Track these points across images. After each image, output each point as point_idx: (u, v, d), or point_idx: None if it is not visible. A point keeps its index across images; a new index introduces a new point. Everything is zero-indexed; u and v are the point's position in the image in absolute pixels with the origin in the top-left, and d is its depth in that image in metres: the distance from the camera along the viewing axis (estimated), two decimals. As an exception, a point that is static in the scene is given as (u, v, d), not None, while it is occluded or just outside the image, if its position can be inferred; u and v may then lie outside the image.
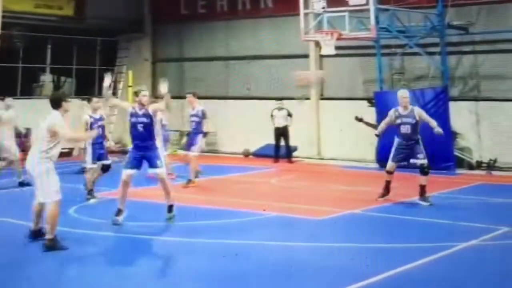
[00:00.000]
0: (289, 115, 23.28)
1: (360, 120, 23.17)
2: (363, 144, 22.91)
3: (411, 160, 14.56)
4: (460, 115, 21.63)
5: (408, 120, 14.51)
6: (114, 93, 28.19)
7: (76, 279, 8.79)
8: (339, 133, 23.68)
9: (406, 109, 14.61)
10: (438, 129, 14.53)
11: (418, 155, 14.44)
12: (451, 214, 13.23)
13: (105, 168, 14.92)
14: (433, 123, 14.64)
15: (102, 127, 15.11)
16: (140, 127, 12.25)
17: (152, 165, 12.22)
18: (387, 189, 14.73)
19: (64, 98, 10.46)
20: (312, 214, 13.04)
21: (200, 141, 16.96)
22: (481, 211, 13.82)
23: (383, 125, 15.20)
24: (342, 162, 22.89)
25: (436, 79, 22.30)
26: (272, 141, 23.98)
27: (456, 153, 21.13)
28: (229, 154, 26.03)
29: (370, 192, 15.41)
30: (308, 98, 24.35)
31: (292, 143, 23.57)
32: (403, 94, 14.87)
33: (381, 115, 21.65)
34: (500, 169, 20.82)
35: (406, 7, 21.75)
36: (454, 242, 10.54)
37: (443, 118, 20.51)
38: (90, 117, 15.07)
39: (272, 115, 23.36)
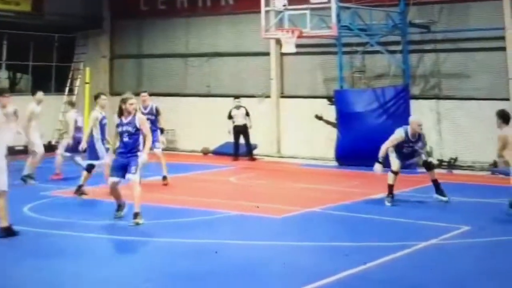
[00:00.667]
0: (247, 114, 23.22)
1: (320, 118, 23.22)
2: (323, 142, 22.94)
3: (412, 160, 14.86)
4: (421, 114, 21.68)
5: (415, 147, 14.40)
6: (71, 90, 27.91)
7: (29, 278, 8.60)
8: (299, 131, 23.69)
9: (415, 136, 14.32)
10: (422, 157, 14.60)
11: (422, 155, 14.57)
12: (412, 213, 13.26)
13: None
14: (423, 154, 14.61)
15: (105, 124, 15.45)
16: (125, 136, 12.20)
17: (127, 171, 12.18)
18: (391, 192, 14.33)
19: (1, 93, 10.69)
20: (272, 213, 12.97)
21: (160, 137, 16.96)
22: (442, 210, 13.87)
23: (385, 148, 14.43)
24: (302, 160, 22.89)
25: (397, 78, 22.40)
26: (230, 139, 23.89)
27: (417, 152, 21.21)
28: (187, 152, 25.87)
29: (330, 190, 15.42)
30: (268, 96, 24.31)
31: (252, 141, 23.50)
32: (419, 122, 14.43)
33: (341, 113, 21.79)
34: (461, 167, 20.99)
35: (368, 5, 21.81)
36: (415, 241, 10.55)
37: (404, 116, 20.57)
38: (100, 113, 15.38)
39: (230, 114, 23.22)
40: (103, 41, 29.13)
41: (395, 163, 14.31)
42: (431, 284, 8.48)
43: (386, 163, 14.47)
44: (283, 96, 25.12)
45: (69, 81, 28.05)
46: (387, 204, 14.11)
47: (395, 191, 14.47)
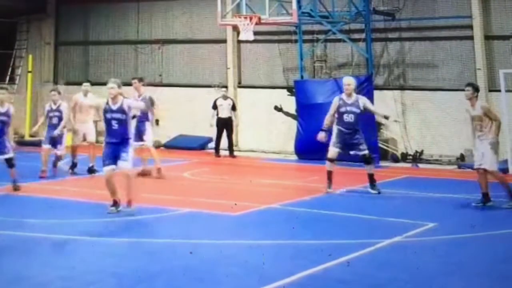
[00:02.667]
0: (234, 108, 22.64)
1: (280, 109, 23.24)
2: (282, 135, 22.96)
3: (352, 152, 14.89)
4: (385, 104, 21.86)
5: (353, 109, 14.71)
6: (12, 78, 27.50)
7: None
8: (257, 123, 23.66)
9: (351, 97, 14.80)
10: (381, 116, 15.36)
11: (360, 147, 14.77)
12: (375, 209, 13.30)
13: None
14: (378, 112, 15.28)
15: None
16: (114, 124, 12.21)
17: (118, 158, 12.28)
18: (330, 179, 14.86)
19: None
20: (228, 210, 12.89)
21: (149, 129, 17.22)
22: (406, 206, 13.94)
23: (328, 117, 15.07)
24: (260, 154, 22.86)
25: (360, 67, 22.53)
26: (185, 131, 23.75)
27: (380, 144, 21.35)
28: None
29: (290, 185, 15.41)
30: (225, 86, 24.21)
31: (206, 133, 23.36)
32: (347, 81, 15.10)
33: (301, 105, 21.81)
34: (427, 161, 21.17)
35: (330, -9, 21.84)
36: (378, 238, 10.56)
37: (367, 108, 20.74)
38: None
39: (215, 104, 22.57)
40: (47, 26, 28.75)
41: (331, 150, 14.81)
42: (394, 283, 8.47)
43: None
44: (240, 86, 25.06)
45: (10, 69, 27.63)
46: (328, 190, 14.75)
47: (357, 186, 14.52)
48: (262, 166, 20.61)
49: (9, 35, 28.25)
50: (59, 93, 17.35)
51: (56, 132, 16.73)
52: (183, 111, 25.30)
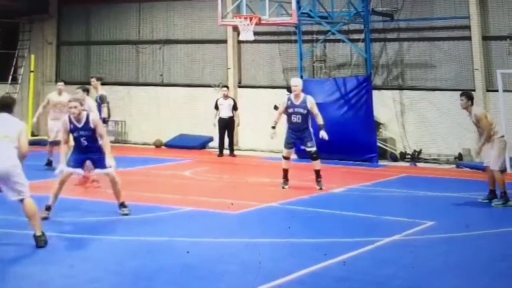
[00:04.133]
0: (235, 108, 22.55)
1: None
2: (282, 135, 22.87)
3: (302, 147, 15.60)
4: (384, 104, 21.91)
5: (299, 110, 15.09)
6: (14, 78, 27.49)
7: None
8: (257, 122, 23.63)
9: (298, 98, 15.15)
10: (322, 133, 15.18)
11: (308, 143, 15.15)
12: (374, 208, 13.29)
13: None
14: (320, 120, 15.25)
15: None
16: (83, 140, 12.05)
17: (100, 166, 12.11)
18: (286, 177, 15.35)
19: None
20: (227, 208, 12.87)
21: None
22: (405, 204, 13.94)
23: (277, 115, 15.71)
24: (260, 153, 22.84)
25: (359, 67, 22.52)
26: (185, 131, 23.74)
27: (379, 144, 21.34)
28: (139, 144, 25.67)
29: (289, 184, 15.40)
30: (225, 86, 24.17)
31: (207, 132, 23.36)
32: (294, 82, 15.50)
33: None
34: (425, 160, 21.17)
35: (329, -9, 21.82)
36: (377, 237, 10.55)
37: (366, 107, 20.80)
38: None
39: (216, 104, 22.51)
40: (49, 26, 28.75)
41: (283, 151, 15.45)
42: (393, 281, 8.46)
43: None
44: (240, 86, 25.05)
45: (12, 69, 27.62)
46: (284, 187, 15.21)
47: (356, 185, 14.52)
48: (262, 165, 20.60)
49: (12, 35, 28.24)
50: (84, 90, 16.33)
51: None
52: (183, 111, 25.32)
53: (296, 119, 15.14)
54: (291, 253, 9.81)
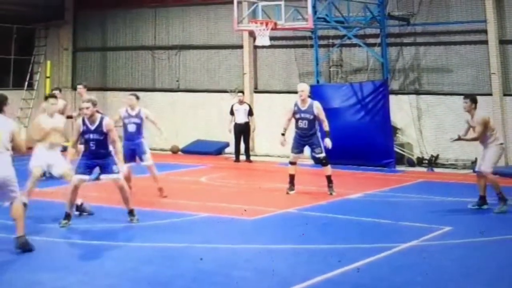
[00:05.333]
0: (251, 113, 22.54)
1: (296, 114, 23.14)
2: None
3: (311, 154, 15.74)
4: (401, 109, 21.86)
5: (306, 116, 15.14)
6: (31, 84, 27.61)
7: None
8: (273, 128, 23.60)
9: (305, 103, 15.20)
10: (327, 140, 15.21)
11: (316, 149, 15.28)
12: (391, 213, 13.28)
13: None
14: (326, 127, 15.28)
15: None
16: (92, 144, 11.99)
17: (107, 171, 12.06)
18: (292, 182, 15.40)
19: None
20: (244, 214, 12.89)
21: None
22: (422, 210, 13.89)
23: (286, 121, 15.64)
24: (276, 159, 22.83)
25: (375, 72, 22.47)
26: (202, 136, 23.74)
27: (396, 149, 21.28)
28: (155, 150, 25.69)
29: (306, 190, 15.41)
30: (241, 91, 24.20)
31: (223, 138, 23.37)
32: (301, 88, 15.55)
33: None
34: (442, 165, 21.08)
35: (345, -4, 21.82)
36: (394, 242, 10.53)
37: (383, 112, 20.75)
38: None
39: (232, 110, 22.50)
40: (65, 32, 28.84)
41: (290, 156, 15.57)
42: (410, 286, 8.46)
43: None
44: (256, 91, 25.07)
45: (28, 75, 27.73)
46: (289, 192, 15.33)
47: (373, 190, 14.49)
48: (278, 171, 20.56)
49: (28, 41, 28.36)
50: (137, 97, 15.55)
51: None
52: (200, 116, 25.37)
53: (302, 124, 15.19)
54: (308, 259, 9.81)
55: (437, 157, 21.36)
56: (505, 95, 20.86)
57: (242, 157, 22.47)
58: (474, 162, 20.56)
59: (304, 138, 15.27)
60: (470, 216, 13.17)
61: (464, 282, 8.68)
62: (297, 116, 15.22)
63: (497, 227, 12.17)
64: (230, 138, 22.95)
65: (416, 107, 22.02)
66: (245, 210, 13.08)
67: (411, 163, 21.48)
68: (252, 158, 22.71)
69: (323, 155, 15.20)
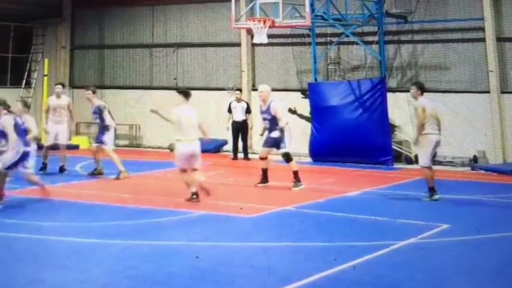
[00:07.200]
0: (248, 111, 22.61)
1: (294, 112, 23.20)
2: (296, 138, 22.86)
3: (276, 150, 16.11)
4: (399, 107, 21.86)
5: (265, 116, 15.79)
6: (28, 82, 27.59)
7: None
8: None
9: (265, 104, 15.78)
10: (276, 131, 15.75)
11: (281, 145, 15.73)
12: (389, 211, 13.26)
13: None
14: (280, 124, 15.67)
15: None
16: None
17: None
18: (265, 177, 15.92)
19: None
20: (242, 212, 12.88)
21: (106, 135, 17.31)
22: (420, 207, 13.90)
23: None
24: (274, 157, 22.78)
25: (373, 70, 22.48)
26: (201, 135, 23.64)
27: (394, 146, 21.29)
28: (153, 148, 25.71)
29: (304, 187, 15.39)
30: (239, 89, 24.19)
31: (221, 136, 23.36)
32: (260, 89, 16.23)
33: (315, 107, 21.79)
34: (440, 163, 21.05)
35: (343, -6, 21.82)
36: (392, 240, 10.52)
37: (380, 110, 20.76)
38: None
39: (230, 107, 22.59)
40: (63, 30, 28.84)
41: (260, 151, 16.44)
42: (409, 284, 8.45)
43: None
44: (254, 89, 25.03)
45: (26, 73, 27.73)
46: (258, 185, 16.05)
47: (371, 188, 14.51)
48: (276, 169, 20.52)
49: (25, 39, 28.37)
50: (93, 92, 17.69)
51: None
52: (197, 114, 25.29)
53: (266, 123, 15.93)
54: (305, 257, 9.79)
55: (435, 154, 21.32)
56: (502, 92, 20.88)
57: (240, 155, 22.45)
58: (472, 160, 20.64)
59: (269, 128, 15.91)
60: (467, 213, 13.19)
61: (461, 280, 8.67)
62: (262, 116, 15.96)
63: (495, 225, 12.16)
64: (228, 136, 22.93)
65: (413, 104, 21.99)
66: (241, 208, 13.07)
67: (408, 161, 21.48)
68: (250, 156, 22.69)
69: (284, 150, 15.69)
